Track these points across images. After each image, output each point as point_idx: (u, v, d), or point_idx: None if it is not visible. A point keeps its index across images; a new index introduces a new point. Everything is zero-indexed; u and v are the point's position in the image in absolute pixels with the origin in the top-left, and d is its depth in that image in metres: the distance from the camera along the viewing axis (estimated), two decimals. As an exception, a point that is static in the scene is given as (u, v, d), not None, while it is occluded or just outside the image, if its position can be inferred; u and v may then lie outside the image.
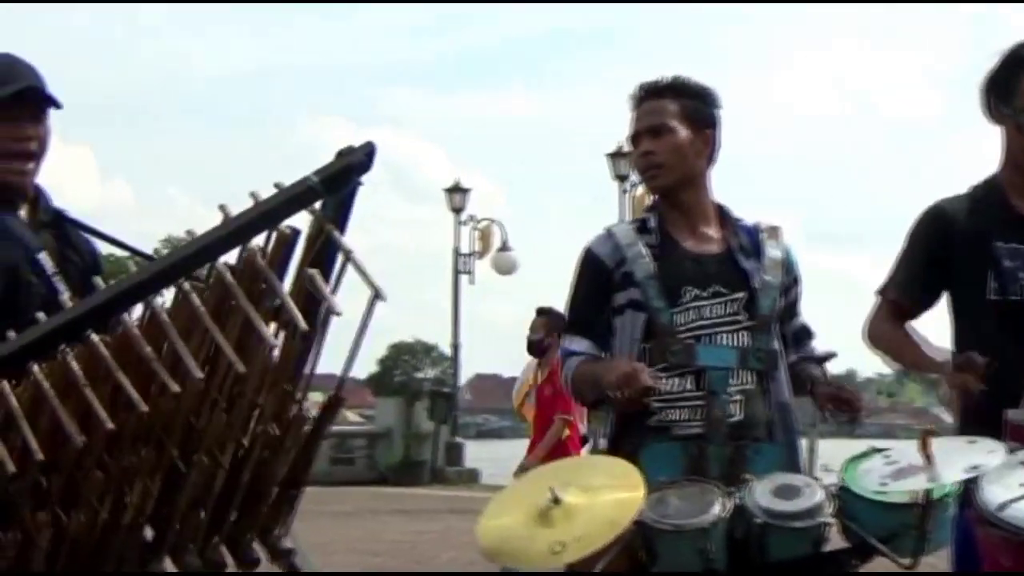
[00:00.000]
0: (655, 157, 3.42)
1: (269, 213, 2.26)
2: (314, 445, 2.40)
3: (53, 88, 3.12)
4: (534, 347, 9.32)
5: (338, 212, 2.31)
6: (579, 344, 3.38)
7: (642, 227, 3.44)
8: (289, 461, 2.36)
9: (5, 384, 2.18)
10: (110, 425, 2.14)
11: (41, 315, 2.29)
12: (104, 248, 3.37)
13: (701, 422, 3.24)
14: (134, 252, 3.37)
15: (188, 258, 2.25)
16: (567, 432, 9.02)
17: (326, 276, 2.28)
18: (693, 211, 3.45)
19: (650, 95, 3.47)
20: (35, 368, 2.19)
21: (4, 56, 3.10)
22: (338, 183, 2.27)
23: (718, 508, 2.86)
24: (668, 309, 3.30)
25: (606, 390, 3.13)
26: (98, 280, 2.36)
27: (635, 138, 3.47)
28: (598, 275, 3.40)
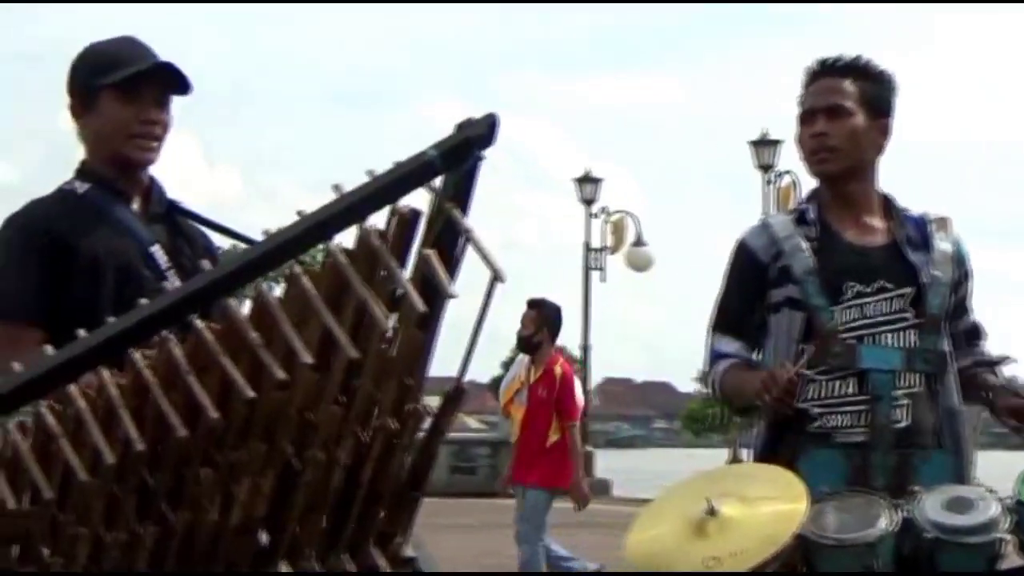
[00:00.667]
0: (828, 139, 3.38)
1: (384, 190, 2.24)
2: (435, 442, 2.39)
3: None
4: (525, 343, 9.18)
5: (458, 190, 2.29)
6: (728, 345, 3.36)
7: (800, 218, 3.40)
8: (408, 459, 2.36)
9: (106, 373, 2.20)
10: (215, 414, 2.15)
11: (144, 301, 2.31)
12: (216, 240, 3.43)
13: (864, 428, 3.22)
14: (248, 241, 3.39)
15: (297, 238, 2.23)
16: (555, 438, 9.09)
17: (447, 260, 2.26)
18: (858, 202, 3.40)
19: (829, 72, 3.43)
20: (136, 355, 2.21)
21: (127, 38, 3.23)
22: (458, 158, 2.25)
23: (884, 522, 2.82)
24: (828, 307, 3.28)
25: (754, 400, 3.14)
26: (166, 283, 2.41)
27: (808, 115, 3.40)
28: (752, 270, 3.38)
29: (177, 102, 3.22)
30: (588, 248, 30.07)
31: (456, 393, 2.36)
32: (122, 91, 3.12)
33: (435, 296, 2.26)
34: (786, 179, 25.40)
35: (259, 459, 2.23)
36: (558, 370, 9.22)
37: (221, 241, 3.53)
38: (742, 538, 2.75)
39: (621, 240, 29.21)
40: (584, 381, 31.28)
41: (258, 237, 3.41)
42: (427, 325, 2.28)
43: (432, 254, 2.23)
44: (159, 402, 2.17)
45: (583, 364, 30.94)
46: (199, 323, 2.22)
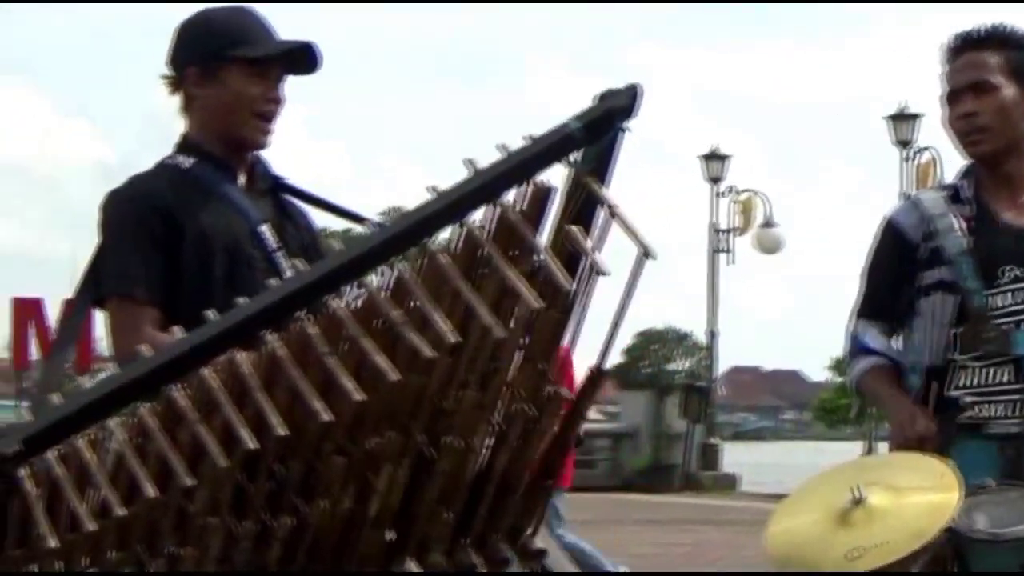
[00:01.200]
0: (978, 119, 3.32)
1: (524, 164, 2.26)
2: (572, 430, 2.40)
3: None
4: None
5: (599, 163, 2.30)
6: (874, 339, 3.32)
7: (954, 196, 3.34)
8: (543, 448, 2.36)
9: (239, 354, 2.22)
10: (359, 396, 2.16)
11: (273, 282, 2.33)
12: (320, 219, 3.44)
13: (1019, 419, 3.20)
14: (359, 220, 3.41)
15: (434, 216, 2.26)
16: None
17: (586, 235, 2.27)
18: (1015, 180, 3.33)
19: (969, 46, 3.36)
20: (269, 336, 2.23)
21: (244, 8, 3.23)
22: (599, 130, 2.26)
23: None
24: (983, 291, 3.23)
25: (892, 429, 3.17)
26: (297, 262, 2.42)
27: (952, 96, 3.36)
28: (900, 250, 3.34)
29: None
30: (715, 229, 29.89)
31: (597, 376, 2.37)
32: (253, 67, 3.12)
33: (575, 275, 2.27)
34: (926, 155, 25.06)
35: (397, 447, 2.25)
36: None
37: (326, 220, 3.52)
38: (889, 530, 2.74)
39: (749, 221, 29.02)
40: (710, 369, 31.14)
41: (365, 215, 3.45)
42: (567, 306, 2.29)
43: (577, 230, 2.24)
44: (299, 385, 2.19)
45: (709, 351, 30.73)
46: (335, 303, 2.24)
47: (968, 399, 3.20)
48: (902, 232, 3.35)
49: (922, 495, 2.83)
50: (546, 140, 2.25)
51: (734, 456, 30.04)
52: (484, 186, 2.25)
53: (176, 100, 3.25)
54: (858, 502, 2.79)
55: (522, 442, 2.33)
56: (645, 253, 2.21)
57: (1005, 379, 3.22)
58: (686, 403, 27.05)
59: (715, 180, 29.82)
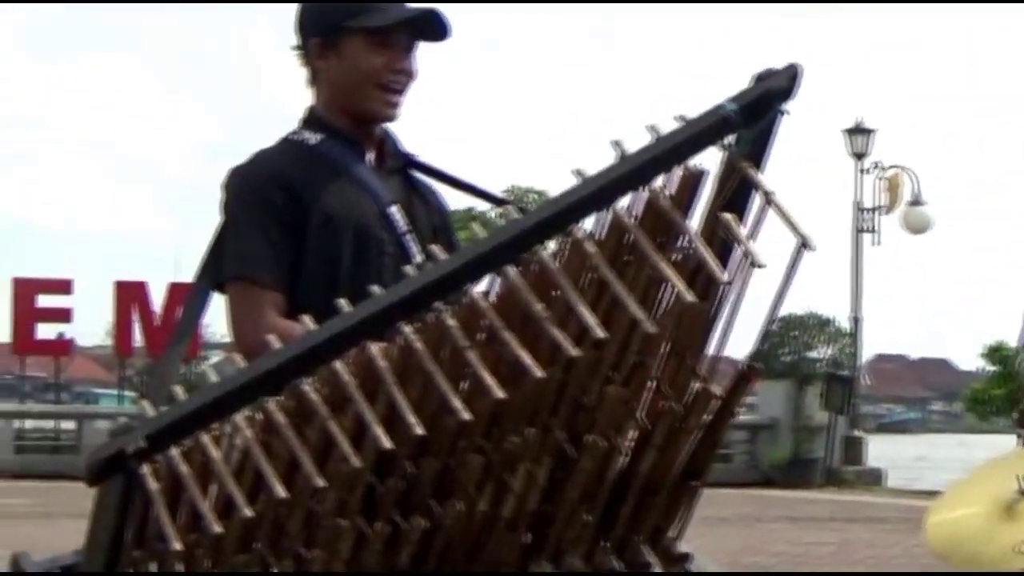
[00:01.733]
0: None
1: (676, 148, 2.24)
2: (721, 428, 2.37)
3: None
4: None
5: (755, 147, 2.28)
6: None
7: None
8: (692, 447, 2.34)
9: (373, 347, 2.22)
10: (501, 394, 2.14)
11: (410, 269, 2.33)
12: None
13: None
14: (499, 201, 3.40)
15: (580, 201, 2.24)
16: None
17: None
18: None
19: None
20: (406, 328, 2.22)
21: None
22: (757, 112, 2.24)
23: None
24: None
25: None
26: (435, 248, 2.35)
27: None
28: None
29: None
30: (859, 208, 29.61)
31: (749, 372, 2.34)
32: (374, 36, 3.11)
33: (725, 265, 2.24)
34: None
35: (536, 445, 2.24)
36: None
37: (459, 200, 3.49)
38: None
39: (896, 199, 28.67)
40: (853, 358, 30.77)
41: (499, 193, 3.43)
42: (714, 298, 2.27)
43: (732, 218, 2.22)
44: (437, 380, 2.18)
45: (853, 337, 30.39)
46: (475, 293, 2.23)
47: None
48: None
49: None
50: (700, 123, 2.23)
51: (879, 450, 29.74)
52: (634, 171, 2.23)
53: (301, 73, 3.24)
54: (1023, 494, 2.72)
55: (668, 441, 2.32)
56: (804, 244, 2.18)
57: None
58: (828, 393, 26.90)
59: (859, 156, 29.55)
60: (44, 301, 28.83)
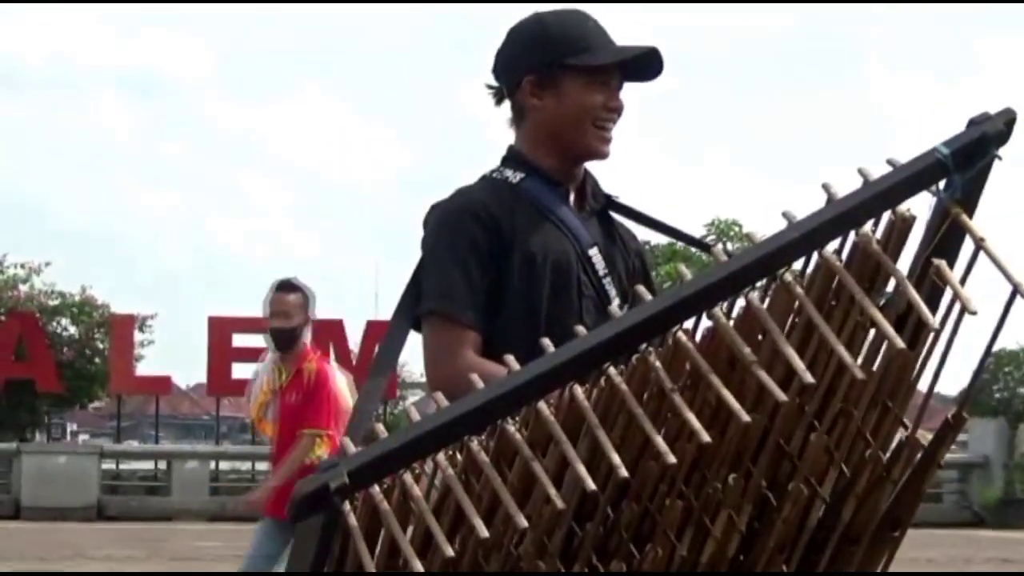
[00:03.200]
0: None
1: (887, 192, 2.21)
2: (926, 477, 2.32)
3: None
4: (284, 337, 7.72)
5: (968, 192, 2.23)
6: None
7: None
8: (893, 496, 2.30)
9: (579, 390, 2.21)
10: (706, 438, 2.12)
11: (614, 309, 2.31)
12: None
13: None
14: (696, 244, 3.38)
15: (788, 245, 2.22)
16: (321, 452, 7.48)
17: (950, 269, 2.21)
18: None
19: None
20: (612, 371, 2.22)
21: (578, 11, 3.19)
22: (970, 157, 2.21)
23: None
24: None
25: None
26: (641, 289, 2.33)
27: None
28: None
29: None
30: None
31: (957, 420, 2.29)
32: (591, 74, 3.09)
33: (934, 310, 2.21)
34: None
35: (738, 491, 2.21)
36: (310, 367, 7.76)
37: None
38: None
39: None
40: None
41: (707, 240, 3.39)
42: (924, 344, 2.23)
43: (943, 264, 2.19)
44: (642, 424, 2.16)
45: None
46: (681, 335, 2.21)
47: None
48: None
49: None
50: (912, 167, 2.21)
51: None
52: (843, 215, 2.20)
53: (495, 111, 3.23)
54: None
55: (871, 490, 2.28)
56: (1016, 290, 2.13)
57: None
58: (1042, 431, 26.31)
59: None
60: (240, 340, 26.63)
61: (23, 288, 32.70)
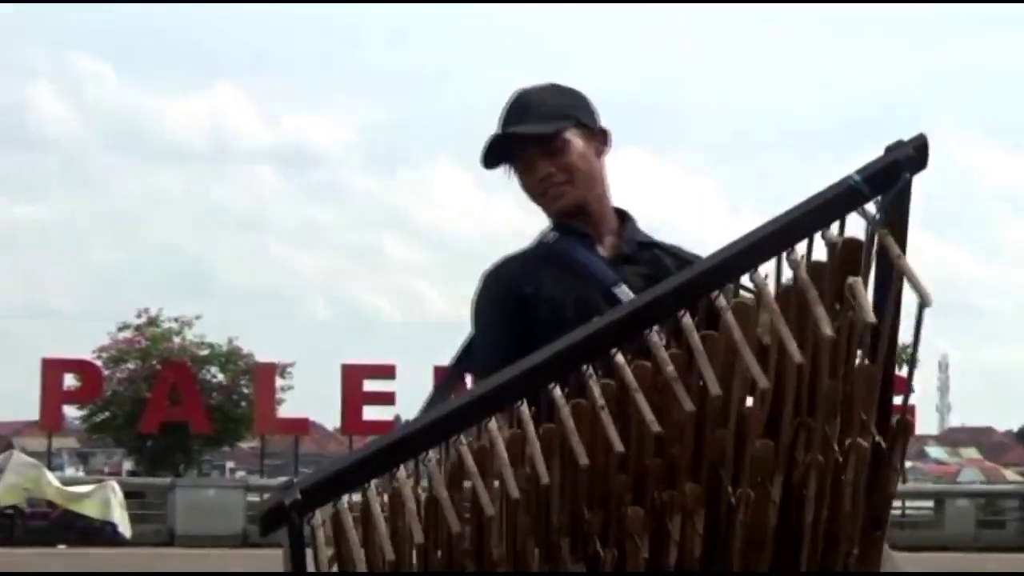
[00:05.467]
0: None
1: (808, 216, 2.18)
2: (889, 479, 2.27)
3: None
4: None
5: (890, 215, 2.17)
6: None
7: None
8: (849, 496, 2.23)
9: (558, 392, 2.20)
10: (657, 428, 2.11)
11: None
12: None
13: None
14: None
15: (723, 263, 2.20)
16: None
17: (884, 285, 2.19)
18: None
19: None
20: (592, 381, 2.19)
21: (515, 94, 3.17)
22: (884, 181, 2.16)
23: None
24: None
25: None
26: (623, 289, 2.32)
27: None
28: None
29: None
30: None
31: (902, 425, 2.25)
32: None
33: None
34: None
35: (696, 496, 2.20)
36: None
37: None
38: None
39: None
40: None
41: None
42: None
43: (858, 281, 2.15)
44: (606, 429, 2.14)
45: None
46: (655, 338, 2.19)
47: None
48: None
49: None
50: (830, 192, 2.18)
51: None
52: (760, 241, 2.19)
53: None
54: None
55: (824, 493, 2.22)
56: (924, 303, 2.09)
57: None
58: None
59: None
60: (370, 386, 27.64)
61: (176, 340, 33.18)
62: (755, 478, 2.19)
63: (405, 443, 2.23)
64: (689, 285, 2.20)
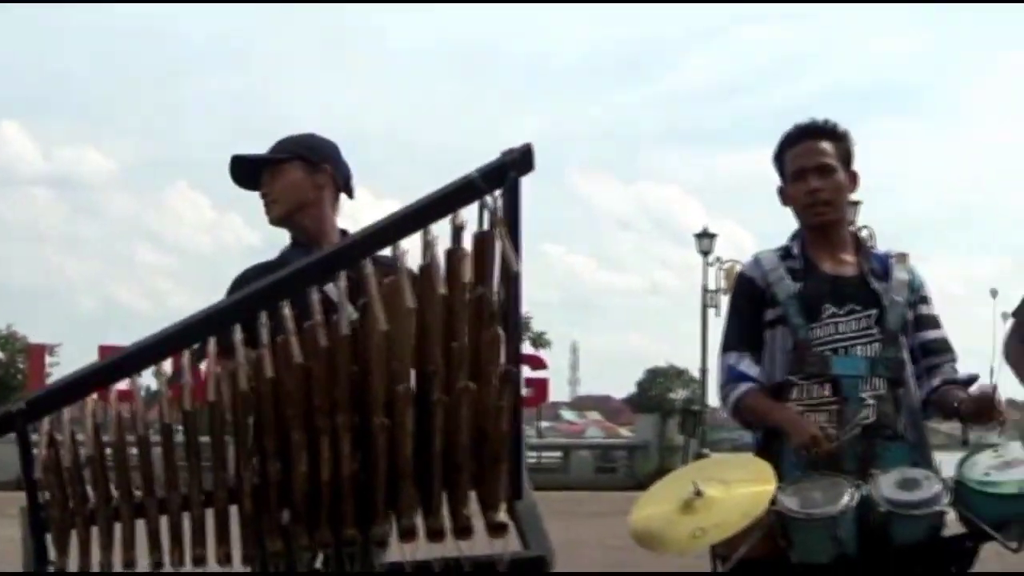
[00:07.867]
0: (823, 194, 3.23)
1: (436, 203, 2.22)
2: (498, 419, 2.23)
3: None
4: None
5: (506, 206, 2.22)
6: (748, 366, 3.20)
7: (786, 254, 3.27)
8: (469, 430, 2.22)
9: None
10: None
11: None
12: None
13: (836, 424, 3.09)
14: None
15: (355, 244, 2.25)
16: None
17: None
18: (835, 242, 3.29)
19: (808, 136, 3.27)
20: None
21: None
22: (497, 178, 2.21)
23: (847, 498, 2.76)
24: (807, 325, 3.16)
25: (794, 448, 3.02)
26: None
27: (798, 174, 3.27)
28: (751, 295, 3.25)
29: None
30: (705, 290, 30.92)
31: (507, 373, 2.21)
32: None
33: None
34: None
35: (328, 425, 2.21)
36: None
37: None
38: (723, 512, 2.73)
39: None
40: (702, 397, 31.23)
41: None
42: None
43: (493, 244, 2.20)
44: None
45: (701, 383, 30.86)
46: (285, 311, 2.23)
47: (798, 409, 3.11)
48: (752, 280, 3.27)
49: (747, 486, 2.82)
50: (453, 185, 2.21)
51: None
52: (386, 228, 2.23)
53: None
54: (698, 494, 2.79)
55: (439, 429, 2.21)
56: (516, 278, 2.18)
57: (827, 394, 3.13)
58: (683, 423, 27.51)
59: (705, 253, 30.91)
60: None
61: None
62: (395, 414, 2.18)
63: (120, 365, 2.25)
64: (338, 254, 2.26)
